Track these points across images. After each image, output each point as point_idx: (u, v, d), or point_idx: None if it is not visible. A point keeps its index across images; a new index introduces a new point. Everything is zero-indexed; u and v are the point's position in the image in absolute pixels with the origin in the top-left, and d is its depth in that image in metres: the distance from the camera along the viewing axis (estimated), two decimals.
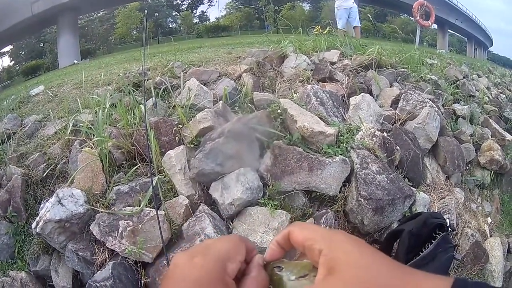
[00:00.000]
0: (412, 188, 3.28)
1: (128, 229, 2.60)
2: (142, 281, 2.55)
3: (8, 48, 16.29)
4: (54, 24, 15.85)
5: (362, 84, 4.43)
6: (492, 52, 24.77)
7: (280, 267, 0.64)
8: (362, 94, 4.04)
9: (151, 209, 2.69)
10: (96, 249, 2.71)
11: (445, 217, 3.23)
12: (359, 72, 4.83)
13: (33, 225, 2.79)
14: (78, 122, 3.74)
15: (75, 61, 13.30)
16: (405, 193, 2.98)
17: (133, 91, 3.98)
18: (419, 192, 3.41)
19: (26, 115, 4.81)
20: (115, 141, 3.25)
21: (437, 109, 4.36)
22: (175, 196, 2.89)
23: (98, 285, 2.47)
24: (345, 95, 4.16)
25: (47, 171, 3.49)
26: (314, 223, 2.72)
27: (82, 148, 3.33)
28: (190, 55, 6.12)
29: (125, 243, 2.56)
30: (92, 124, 3.47)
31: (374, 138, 3.34)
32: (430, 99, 4.54)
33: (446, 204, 3.70)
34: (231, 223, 2.81)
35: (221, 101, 3.63)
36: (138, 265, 2.62)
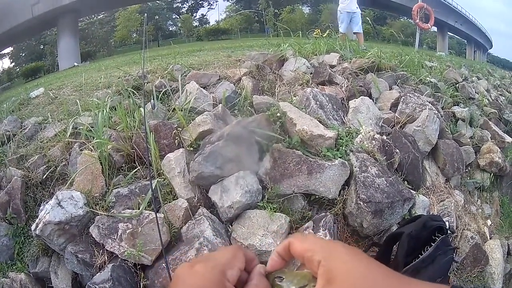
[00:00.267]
0: (411, 191, 3.28)
1: (127, 231, 2.61)
2: (141, 284, 2.55)
3: (8, 50, 16.36)
4: (55, 26, 15.92)
5: (361, 87, 4.43)
6: (491, 54, 24.80)
7: (281, 278, 0.66)
8: (361, 97, 4.04)
9: (150, 212, 2.70)
10: (96, 251, 2.71)
11: (444, 219, 3.25)
12: (359, 75, 4.84)
13: (33, 227, 2.79)
14: (78, 125, 3.76)
15: (75, 64, 13.35)
16: (405, 196, 2.98)
17: (133, 94, 3.99)
18: (418, 195, 3.41)
19: (26, 117, 4.83)
20: (115, 144, 3.26)
21: (436, 112, 4.36)
22: (175, 199, 2.89)
23: (97, 287, 2.47)
24: (345, 98, 4.16)
25: (47, 173, 3.50)
26: (313, 226, 2.72)
27: (81, 150, 3.34)
28: (190, 58, 6.14)
29: (125, 246, 2.57)
30: (92, 127, 3.48)
31: (374, 141, 3.34)
32: (429, 102, 4.55)
33: (445, 206, 3.70)
34: (230, 226, 2.81)
35: (220, 104, 3.64)
36: (137, 267, 2.62)
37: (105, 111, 3.57)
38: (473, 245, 3.61)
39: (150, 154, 3.01)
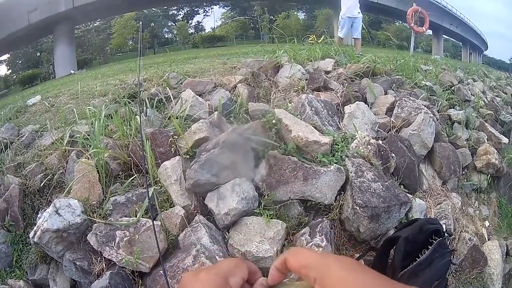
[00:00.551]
0: (408, 194, 3.29)
1: (125, 239, 2.61)
2: None
3: (5, 57, 16.33)
4: (51, 33, 15.92)
5: (356, 92, 4.45)
6: (487, 55, 24.88)
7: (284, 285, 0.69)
8: (356, 102, 4.06)
9: (147, 220, 2.71)
10: (94, 258, 2.72)
11: (442, 222, 3.27)
12: (354, 81, 4.87)
13: (31, 235, 2.79)
14: (74, 133, 3.76)
15: (72, 71, 13.35)
16: (401, 200, 2.99)
17: (129, 102, 4.00)
18: (415, 198, 3.42)
19: (23, 124, 4.83)
20: (112, 152, 3.27)
21: (432, 115, 4.39)
22: (171, 207, 2.90)
23: None
24: (340, 103, 4.18)
25: (44, 181, 3.50)
26: (310, 231, 2.73)
27: (79, 158, 3.35)
28: (185, 65, 6.16)
29: (122, 253, 2.57)
30: (88, 135, 3.49)
31: (369, 146, 3.36)
32: (425, 106, 4.57)
33: (443, 209, 3.71)
34: (227, 233, 2.82)
35: (216, 111, 3.65)
36: (135, 274, 2.62)
37: (101, 119, 3.58)
38: (471, 247, 3.61)
39: (147, 162, 3.02)
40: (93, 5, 14.96)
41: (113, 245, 2.62)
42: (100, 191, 3.09)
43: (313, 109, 3.64)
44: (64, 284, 2.99)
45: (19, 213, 3.41)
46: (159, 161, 3.18)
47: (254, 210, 2.83)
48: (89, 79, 7.70)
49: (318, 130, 3.35)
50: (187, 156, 3.17)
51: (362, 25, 8.62)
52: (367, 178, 2.99)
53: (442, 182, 4.24)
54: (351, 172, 3.01)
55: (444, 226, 2.71)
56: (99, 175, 3.14)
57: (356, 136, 3.47)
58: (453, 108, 5.72)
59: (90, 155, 3.28)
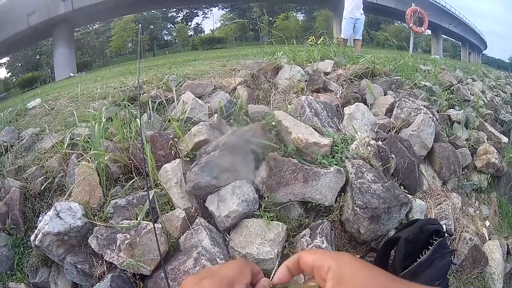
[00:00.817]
0: (408, 195, 3.29)
1: (125, 242, 2.61)
2: None
3: (4, 60, 16.33)
4: (50, 36, 15.91)
5: (356, 93, 4.46)
6: (486, 55, 24.88)
7: (288, 286, 0.69)
8: (356, 103, 4.06)
9: (148, 222, 2.71)
10: (95, 261, 2.72)
11: (442, 222, 3.27)
12: (353, 82, 4.88)
13: (32, 238, 2.80)
14: (74, 136, 3.77)
15: (71, 74, 13.35)
16: (401, 200, 3.00)
17: (129, 105, 4.01)
18: (415, 199, 3.42)
19: (23, 128, 4.83)
20: (112, 155, 3.27)
21: (431, 116, 4.39)
22: (172, 209, 2.90)
23: None
24: (339, 105, 4.18)
25: (45, 184, 3.50)
26: (310, 233, 2.73)
27: (79, 161, 3.35)
28: (185, 68, 6.17)
29: (123, 256, 2.57)
30: (88, 138, 3.49)
31: (369, 147, 3.36)
32: (424, 106, 4.58)
33: (443, 209, 3.71)
34: (227, 235, 2.82)
35: (216, 114, 3.66)
36: (136, 277, 2.62)
37: (101, 122, 3.59)
38: (472, 247, 3.62)
39: (147, 164, 3.02)
40: (92, 7, 14.96)
41: (114, 248, 2.62)
42: (101, 194, 3.09)
43: (312, 110, 3.64)
44: (65, 287, 2.99)
45: (20, 216, 3.41)
46: (160, 163, 3.19)
47: (255, 212, 2.83)
48: (88, 81, 7.71)
49: (318, 132, 3.36)
50: (187, 159, 3.17)
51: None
52: (367, 179, 2.99)
53: (442, 182, 4.25)
54: (351, 173, 3.02)
55: (444, 226, 2.71)
56: (100, 178, 3.14)
57: (356, 137, 3.48)
58: (453, 108, 5.73)
59: (90, 158, 3.29)
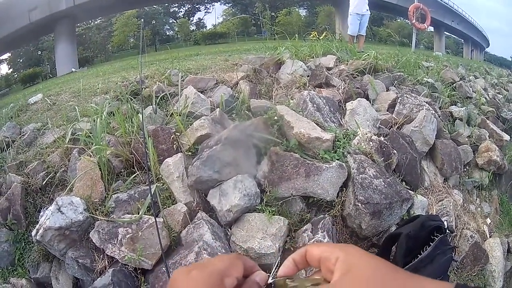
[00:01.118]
0: (409, 191, 3.29)
1: (127, 236, 2.62)
2: None
3: (6, 56, 16.29)
4: (52, 32, 15.86)
5: (358, 89, 4.45)
6: (489, 52, 24.75)
7: (293, 279, 0.69)
8: (358, 99, 4.05)
9: (150, 217, 2.71)
10: (96, 256, 2.72)
11: (443, 219, 3.26)
12: (355, 77, 4.86)
13: (33, 233, 2.80)
14: (76, 131, 3.77)
15: (73, 69, 13.32)
16: (403, 196, 3.00)
17: (131, 100, 4.00)
18: (417, 195, 3.42)
19: (25, 123, 4.84)
20: (114, 150, 3.27)
21: (433, 112, 4.38)
22: (174, 204, 2.90)
23: None
24: (342, 100, 4.17)
25: (47, 179, 3.51)
26: (312, 228, 2.73)
27: (81, 156, 3.35)
28: (187, 62, 6.15)
29: (125, 250, 2.58)
30: (90, 133, 3.49)
31: (371, 143, 3.36)
32: (426, 102, 4.57)
33: (444, 206, 3.71)
34: (229, 229, 2.82)
35: (218, 108, 3.65)
36: (138, 272, 2.63)
37: (103, 116, 3.59)
38: (473, 244, 3.62)
39: (149, 159, 3.02)
40: (93, 2, 14.91)
41: (115, 242, 2.63)
42: (102, 188, 3.09)
43: (315, 105, 3.64)
44: (67, 282, 2.99)
45: (21, 211, 3.42)
46: (161, 158, 3.18)
47: (256, 207, 2.83)
48: (90, 77, 7.70)
49: (320, 127, 3.35)
50: (189, 153, 3.17)
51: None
52: (369, 175, 2.99)
53: (444, 179, 4.24)
54: (353, 169, 3.01)
55: (445, 223, 2.71)
56: (101, 173, 3.14)
57: (358, 133, 3.47)
58: (455, 105, 5.72)
59: (92, 152, 3.29)
